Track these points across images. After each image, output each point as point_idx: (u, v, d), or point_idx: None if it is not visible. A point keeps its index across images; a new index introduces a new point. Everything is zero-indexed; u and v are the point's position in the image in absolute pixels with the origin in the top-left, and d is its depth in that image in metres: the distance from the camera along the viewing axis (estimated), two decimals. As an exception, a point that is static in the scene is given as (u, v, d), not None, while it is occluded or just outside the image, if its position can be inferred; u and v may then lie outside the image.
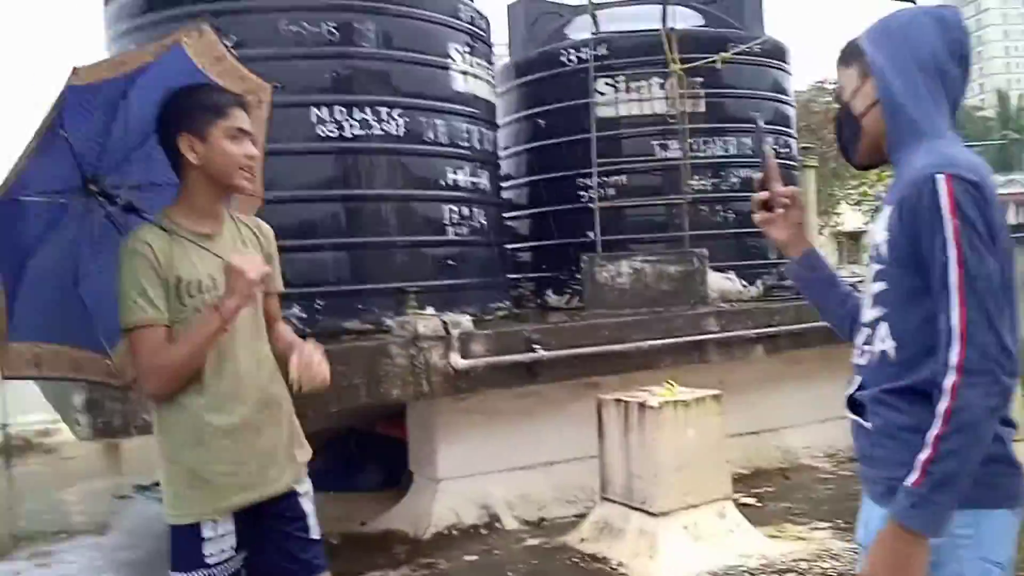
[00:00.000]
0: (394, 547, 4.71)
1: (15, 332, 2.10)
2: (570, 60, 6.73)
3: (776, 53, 7.07)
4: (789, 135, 7.26)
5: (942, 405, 1.42)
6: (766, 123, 6.85)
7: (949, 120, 1.61)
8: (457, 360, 4.44)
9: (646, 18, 6.83)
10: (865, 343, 1.63)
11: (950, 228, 1.43)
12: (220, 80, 2.20)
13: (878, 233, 1.59)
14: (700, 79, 6.45)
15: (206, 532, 2.15)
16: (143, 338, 2.03)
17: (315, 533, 2.35)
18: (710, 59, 6.22)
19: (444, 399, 4.80)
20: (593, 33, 6.77)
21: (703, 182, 6.49)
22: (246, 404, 2.16)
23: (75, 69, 1.86)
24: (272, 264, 2.27)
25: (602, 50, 6.55)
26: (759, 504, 5.22)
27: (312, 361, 2.11)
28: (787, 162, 7.04)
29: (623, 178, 6.55)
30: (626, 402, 4.43)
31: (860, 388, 1.63)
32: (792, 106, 7.47)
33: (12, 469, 7.42)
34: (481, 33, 5.74)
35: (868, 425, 1.59)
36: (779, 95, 7.07)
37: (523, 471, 5.20)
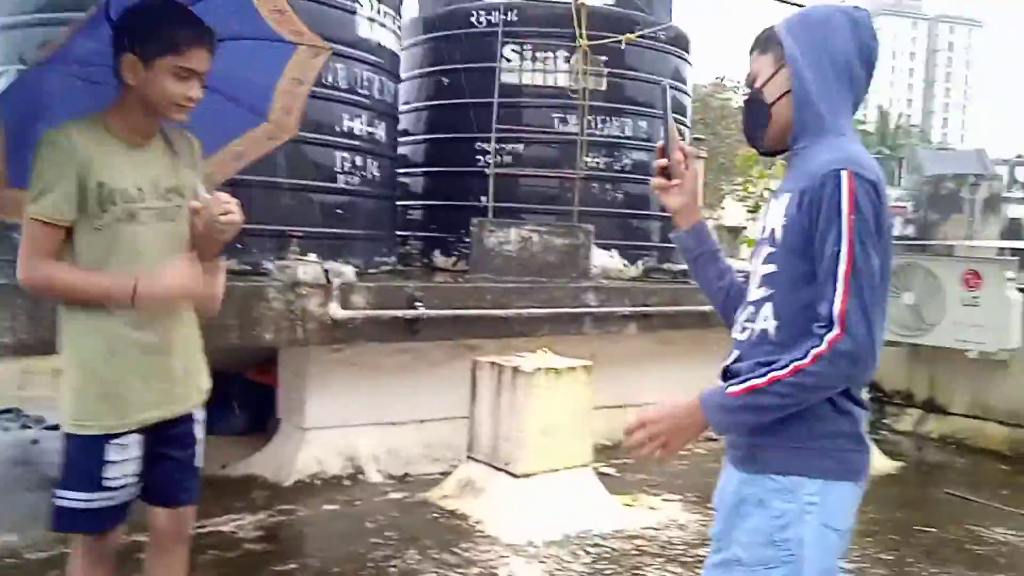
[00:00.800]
0: (253, 492, 4.65)
1: (13, 179, 2.15)
2: (479, 21, 6.68)
3: (679, 42, 7.24)
4: (684, 124, 7.46)
5: (797, 358, 1.54)
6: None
7: (851, 119, 1.71)
8: (336, 310, 4.39)
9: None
10: (747, 320, 1.72)
11: (846, 223, 1.53)
12: (278, 29, 2.25)
13: (774, 218, 1.67)
14: (604, 58, 6.53)
15: (111, 454, 2.12)
16: (35, 231, 2.04)
17: (200, 462, 2.37)
18: (616, 38, 6.30)
19: (319, 348, 4.75)
20: (505, -2, 6.74)
21: (597, 159, 6.60)
22: (163, 323, 2.17)
23: None
24: (199, 175, 2.28)
25: (512, 15, 6.53)
26: (618, 474, 5.42)
27: (227, 200, 2.17)
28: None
29: (520, 147, 6.58)
30: (500, 365, 4.51)
31: (736, 360, 1.73)
32: (689, 95, 7.68)
33: None
34: (388, -10, 5.63)
35: None
36: (678, 83, 7.25)
37: (393, 426, 5.22)
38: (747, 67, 1.80)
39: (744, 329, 1.73)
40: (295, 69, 2.48)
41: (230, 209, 2.16)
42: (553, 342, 5.06)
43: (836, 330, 1.51)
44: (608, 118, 6.66)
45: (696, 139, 8.96)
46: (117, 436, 2.14)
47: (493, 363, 4.54)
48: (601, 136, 6.65)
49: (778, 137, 1.75)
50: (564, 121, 6.55)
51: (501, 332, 5.16)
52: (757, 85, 1.75)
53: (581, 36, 6.30)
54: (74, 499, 2.14)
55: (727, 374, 1.74)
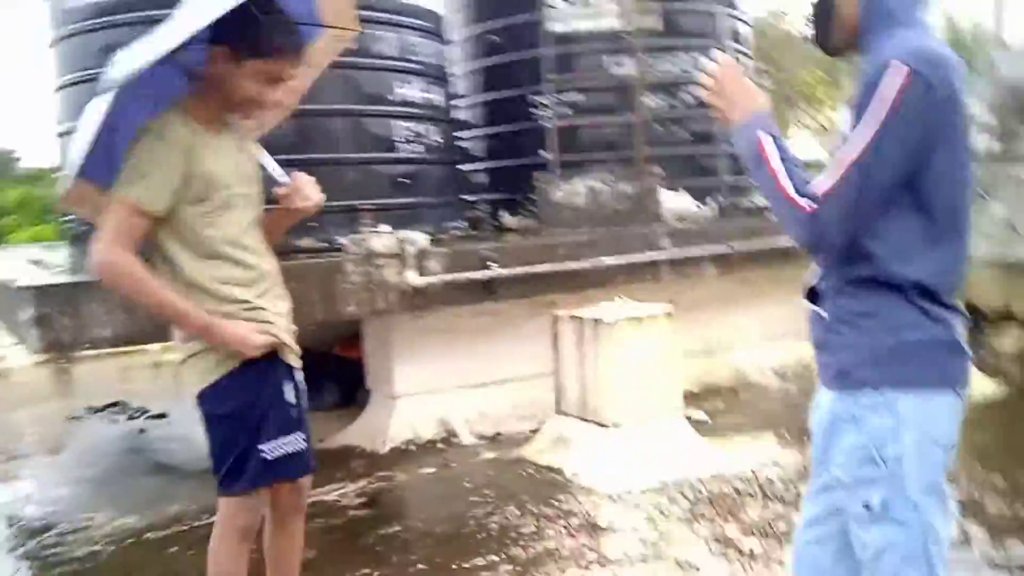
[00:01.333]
0: (352, 462, 4.77)
1: (89, 171, 2.14)
2: (520, -26, 6.54)
3: (731, -30, 6.97)
4: (744, 54, 7.21)
5: (798, 197, 1.54)
6: (727, 40, 6.81)
7: (925, 8, 1.61)
8: (413, 277, 4.44)
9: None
10: None
11: (882, 112, 1.46)
12: (326, 9, 2.31)
13: (846, 130, 1.59)
14: (656, -6, 6.33)
15: (289, 394, 2.25)
16: (121, 215, 2.03)
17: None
18: (666, -27, 6.10)
19: (400, 316, 4.81)
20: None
21: (658, 100, 6.44)
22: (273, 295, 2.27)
23: None
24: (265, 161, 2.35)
25: (556, -39, 6.37)
26: (710, 420, 5.37)
27: (308, 181, 2.28)
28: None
29: (578, 96, 6.46)
30: (580, 318, 4.49)
31: (820, 280, 1.68)
32: (748, 24, 7.41)
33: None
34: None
35: (825, 314, 1.65)
36: (733, 11, 7.00)
37: (480, 388, 5.27)
38: None
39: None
40: (314, 54, 2.46)
41: (313, 191, 2.27)
42: (631, 291, 5.01)
43: (813, 206, 1.51)
44: (664, 56, 6.47)
45: (759, 70, 8.65)
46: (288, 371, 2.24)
47: (573, 316, 4.53)
48: (659, 74, 6.47)
49: (847, 34, 1.65)
50: (619, 64, 6.40)
51: (577, 285, 5.13)
52: None
53: (629, -26, 6.11)
54: (279, 446, 2.20)
55: (811, 295, 1.69)
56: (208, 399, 2.18)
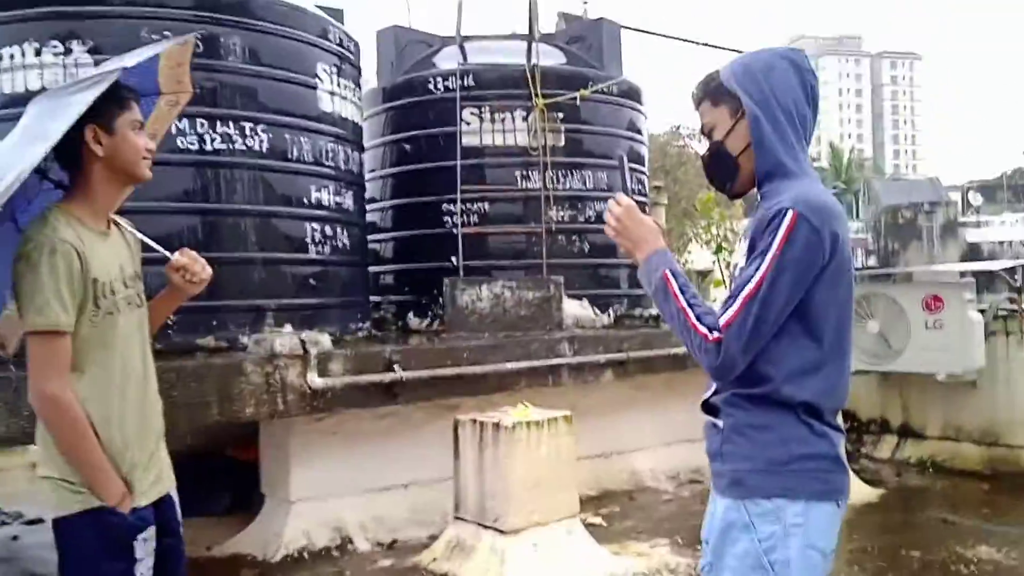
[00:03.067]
0: (242, 571, 4.60)
1: None
2: (437, 88, 6.84)
3: (632, 94, 7.47)
4: (643, 173, 7.66)
5: (705, 322, 1.70)
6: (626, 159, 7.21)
7: (807, 156, 1.84)
8: (314, 379, 4.42)
9: (512, 53, 7.08)
10: None
11: (773, 253, 1.66)
12: (162, 78, 2.33)
13: (741, 257, 1.83)
14: (561, 114, 6.72)
15: (138, 551, 2.11)
16: (48, 344, 2.00)
17: (184, 547, 2.36)
18: (571, 95, 6.50)
19: (300, 419, 4.75)
20: (460, 64, 6.94)
21: (562, 213, 6.74)
22: (138, 405, 2.19)
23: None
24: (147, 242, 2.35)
25: (469, 80, 6.72)
26: (605, 524, 5.43)
27: (196, 257, 2.30)
28: (640, 199, 7.42)
29: (486, 205, 6.70)
30: (481, 422, 4.54)
31: (714, 393, 1.84)
32: (646, 145, 7.89)
33: None
34: (350, 55, 5.79)
35: (720, 424, 1.80)
36: (634, 134, 7.46)
37: (379, 492, 5.20)
38: (699, 118, 1.90)
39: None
40: (152, 123, 2.46)
41: (203, 267, 2.30)
42: (532, 395, 5.10)
43: (716, 335, 1.68)
44: (569, 172, 6.82)
45: (656, 187, 9.16)
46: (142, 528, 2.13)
47: (474, 420, 4.58)
48: (563, 190, 6.79)
49: (746, 182, 1.87)
50: (526, 178, 6.70)
51: (480, 389, 5.20)
52: (718, 137, 1.86)
53: (537, 96, 6.49)
54: None
55: (707, 407, 1.86)
56: (64, 530, 2.11)
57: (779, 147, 1.77)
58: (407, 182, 7.06)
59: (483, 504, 4.48)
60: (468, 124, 6.70)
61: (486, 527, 4.45)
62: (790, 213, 1.65)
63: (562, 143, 6.76)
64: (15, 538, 5.50)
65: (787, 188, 1.73)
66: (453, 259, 6.48)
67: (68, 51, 4.56)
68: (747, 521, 1.73)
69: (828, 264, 1.69)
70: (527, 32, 7.22)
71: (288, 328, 4.63)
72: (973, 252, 14.27)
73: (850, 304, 1.78)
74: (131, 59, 2.15)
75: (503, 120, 6.69)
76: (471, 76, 6.74)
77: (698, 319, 1.70)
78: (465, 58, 7.05)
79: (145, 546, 2.13)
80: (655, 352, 6.02)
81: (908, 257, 11.92)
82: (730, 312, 1.67)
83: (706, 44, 6.97)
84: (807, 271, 1.67)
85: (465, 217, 6.64)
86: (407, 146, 7.02)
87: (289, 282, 5.07)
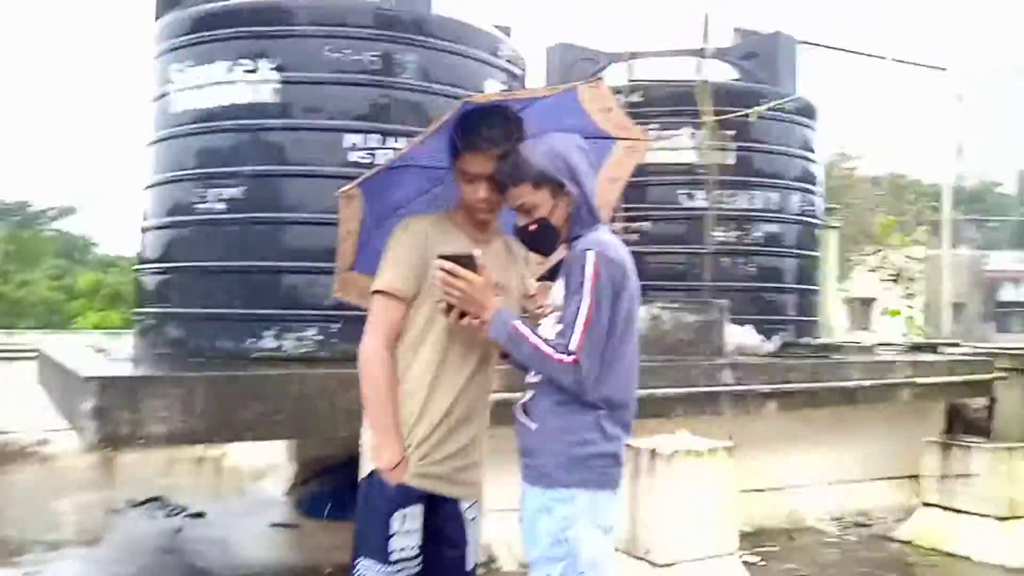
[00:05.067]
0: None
1: (358, 264, 2.49)
2: (603, 105, 6.75)
3: (806, 112, 7.11)
4: (815, 193, 7.27)
5: (558, 350, 2.10)
6: (793, 179, 6.88)
7: (598, 214, 2.29)
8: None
9: (682, 69, 6.92)
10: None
11: (589, 286, 2.11)
12: (603, 127, 2.48)
13: (557, 293, 2.24)
14: (732, 132, 6.49)
15: (394, 525, 2.24)
16: (376, 303, 2.29)
17: (470, 564, 2.43)
18: (743, 112, 6.26)
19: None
20: (629, 80, 6.84)
21: (727, 234, 6.49)
22: (455, 398, 2.31)
23: (470, 95, 2.31)
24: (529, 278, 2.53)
25: (636, 97, 6.61)
26: (763, 563, 5.14)
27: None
28: (811, 220, 7.05)
29: (647, 224, 6.56)
30: (636, 448, 4.39)
31: (530, 399, 2.24)
32: (818, 164, 7.50)
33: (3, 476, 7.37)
34: (518, 72, 5.81)
35: (533, 426, 2.21)
36: (807, 153, 7.10)
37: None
38: (514, 197, 2.22)
39: (537, 373, 2.22)
40: (613, 167, 2.63)
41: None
42: (688, 423, 4.90)
43: (572, 358, 2.09)
44: (737, 191, 6.57)
45: (829, 208, 8.69)
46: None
47: (628, 446, 4.42)
48: (730, 209, 6.54)
49: (561, 240, 2.28)
50: (690, 196, 6.51)
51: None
52: (543, 214, 2.22)
53: (707, 113, 6.29)
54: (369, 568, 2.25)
55: (524, 409, 2.25)
56: (359, 491, 2.32)
57: (587, 206, 2.23)
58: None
59: (634, 534, 4.33)
60: (633, 141, 6.56)
61: (637, 558, 4.30)
62: (592, 252, 2.12)
63: (731, 161, 6.51)
64: (179, 530, 5.80)
65: (586, 237, 2.19)
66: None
67: (256, 68, 4.83)
68: (548, 505, 2.16)
69: (623, 288, 2.15)
70: (698, 48, 7.03)
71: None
72: None
73: (628, 321, 2.19)
74: (523, 94, 2.44)
75: (671, 137, 6.53)
76: (639, 93, 6.63)
77: (553, 348, 2.10)
78: (633, 75, 6.93)
79: (403, 524, 2.24)
80: (824, 384, 5.66)
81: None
82: (576, 336, 2.09)
83: (899, 60, 6.52)
84: (612, 290, 2.12)
85: (625, 235, 6.51)
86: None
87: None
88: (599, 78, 2.54)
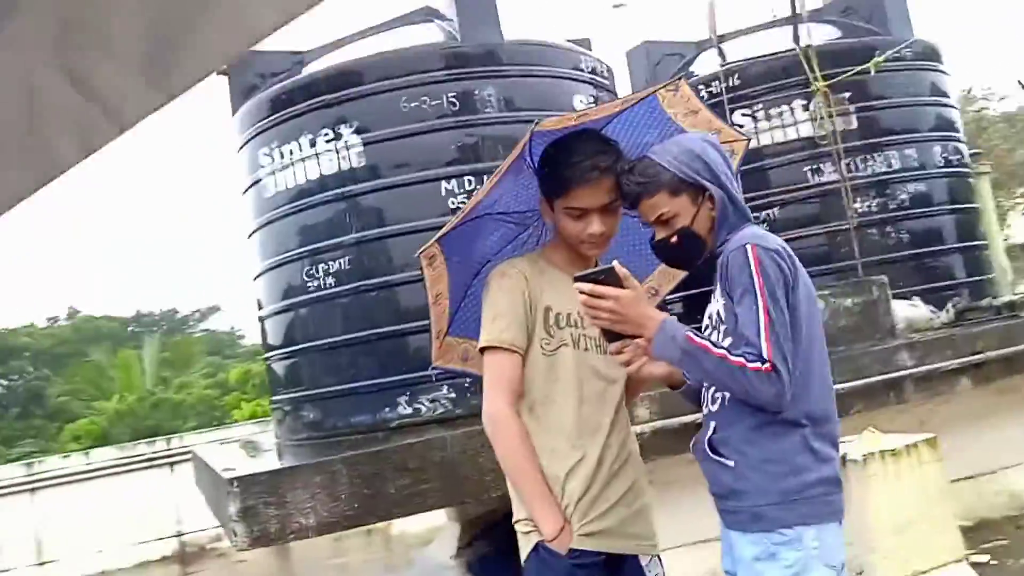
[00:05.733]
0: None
1: (454, 327, 2.30)
2: (700, 97, 6.32)
3: (930, 55, 6.42)
4: (959, 140, 6.52)
5: (748, 358, 1.76)
6: (930, 130, 6.20)
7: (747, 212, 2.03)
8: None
9: (777, 40, 6.41)
10: (716, 391, 1.94)
11: (757, 284, 1.80)
12: (693, 130, 2.22)
13: (714, 304, 1.98)
14: (847, 94, 5.91)
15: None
16: (491, 360, 2.06)
17: None
18: (858, 69, 5.68)
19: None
20: (721, 65, 6.39)
21: (867, 203, 5.88)
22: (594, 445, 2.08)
23: (536, 122, 2.04)
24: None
25: (733, 81, 6.15)
26: (994, 561, 4.47)
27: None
28: (960, 170, 6.33)
29: (775, 212, 6.03)
30: (822, 457, 3.88)
31: (714, 432, 1.92)
32: (957, 109, 6.76)
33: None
34: (604, 82, 5.48)
35: (730, 463, 1.89)
36: (940, 99, 6.40)
37: (707, 543, 4.68)
38: (650, 209, 1.96)
39: (715, 400, 1.93)
40: None
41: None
42: (871, 419, 4.36)
43: (767, 365, 1.75)
44: (869, 155, 5.95)
45: (974, 153, 7.84)
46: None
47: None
48: (865, 177, 5.93)
49: (707, 253, 2.00)
50: (817, 171, 5.95)
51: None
52: (684, 223, 1.95)
53: (815, 79, 5.75)
54: None
55: (711, 447, 1.91)
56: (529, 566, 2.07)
57: (732, 207, 1.96)
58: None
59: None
60: (741, 128, 6.11)
61: (848, 581, 3.76)
62: (749, 247, 1.82)
63: (854, 125, 5.92)
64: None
65: (736, 236, 1.92)
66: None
67: (338, 136, 4.70)
68: (772, 551, 1.85)
69: (796, 280, 1.85)
70: (789, 13, 6.49)
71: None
72: None
73: (805, 315, 1.86)
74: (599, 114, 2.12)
75: (780, 115, 6.02)
76: (735, 76, 6.16)
77: (743, 357, 1.77)
78: (724, 58, 6.47)
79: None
80: (1019, 347, 4.95)
81: None
82: (764, 342, 1.76)
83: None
84: (792, 284, 1.83)
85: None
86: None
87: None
88: (678, 78, 2.25)
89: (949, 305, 5.71)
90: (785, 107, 6.01)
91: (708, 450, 1.93)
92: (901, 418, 4.59)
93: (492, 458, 3.68)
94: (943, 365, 4.80)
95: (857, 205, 5.81)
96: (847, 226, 5.65)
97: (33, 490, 8.46)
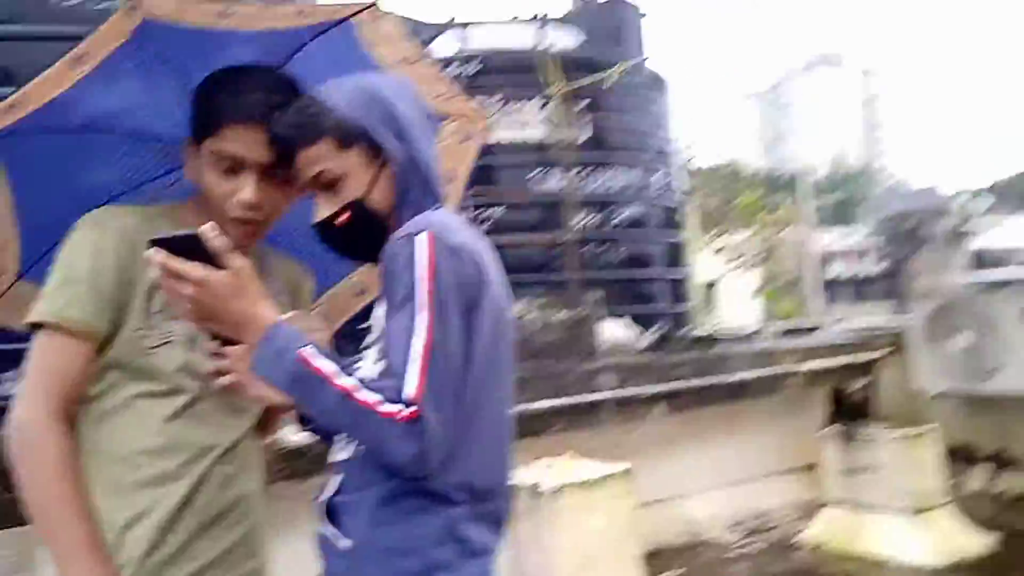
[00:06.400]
0: None
1: (27, 272, 1.57)
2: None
3: (658, 86, 6.52)
4: (674, 171, 6.66)
5: (381, 396, 1.16)
6: (656, 155, 6.23)
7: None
8: (291, 433, 3.38)
9: (519, 38, 6.14)
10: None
11: (423, 288, 1.24)
12: (428, 98, 1.50)
13: (378, 306, 1.36)
14: (586, 101, 5.75)
15: None
16: (44, 341, 1.32)
17: None
18: (598, 77, 5.53)
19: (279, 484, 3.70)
20: (461, 50, 5.97)
21: (590, 217, 5.74)
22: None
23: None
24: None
25: (473, 66, 5.75)
26: (673, 586, 4.40)
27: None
28: (674, 201, 6.46)
29: (498, 211, 5.71)
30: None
31: (338, 492, 1.34)
32: (674, 141, 6.94)
33: None
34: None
35: (347, 543, 1.29)
36: (665, 128, 6.49)
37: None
38: (304, 164, 1.34)
39: (347, 446, 1.34)
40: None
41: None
42: (568, 439, 4.13)
43: (410, 410, 1.17)
44: (598, 168, 5.83)
45: (685, 192, 8.20)
46: None
47: (505, 481, 3.52)
48: (589, 192, 5.80)
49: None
50: (546, 177, 5.72)
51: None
52: (356, 193, 1.34)
53: (555, 80, 5.51)
54: None
55: (330, 511, 1.33)
56: None
57: (421, 193, 1.36)
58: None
59: (520, 589, 3.42)
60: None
61: (526, 620, 3.39)
62: (421, 236, 1.24)
63: (588, 135, 5.78)
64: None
65: (413, 220, 1.31)
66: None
67: None
68: None
69: (482, 292, 1.27)
70: (536, 15, 6.26)
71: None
72: (981, 258, 13.65)
73: (509, 346, 1.34)
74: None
75: (518, 110, 5.72)
76: (476, 61, 5.76)
77: (380, 395, 1.18)
78: (466, 43, 6.06)
79: None
80: (713, 380, 5.01)
81: (918, 264, 11.23)
82: (412, 374, 1.19)
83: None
84: (466, 302, 1.26)
85: (477, 224, 5.63)
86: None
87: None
88: (376, 6, 1.53)
89: (654, 328, 5.72)
90: (525, 102, 5.71)
91: (322, 517, 1.35)
92: (597, 440, 4.40)
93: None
94: (643, 391, 4.69)
95: (580, 217, 5.63)
96: (567, 238, 5.44)
97: None
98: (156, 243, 1.17)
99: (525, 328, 4.83)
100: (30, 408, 1.28)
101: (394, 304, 1.23)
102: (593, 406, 4.51)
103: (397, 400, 1.17)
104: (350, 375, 1.19)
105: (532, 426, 4.28)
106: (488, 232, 5.55)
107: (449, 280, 1.22)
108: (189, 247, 1.16)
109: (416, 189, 1.35)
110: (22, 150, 1.43)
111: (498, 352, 1.31)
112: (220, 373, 1.27)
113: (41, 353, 1.30)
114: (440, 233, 1.24)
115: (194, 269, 1.17)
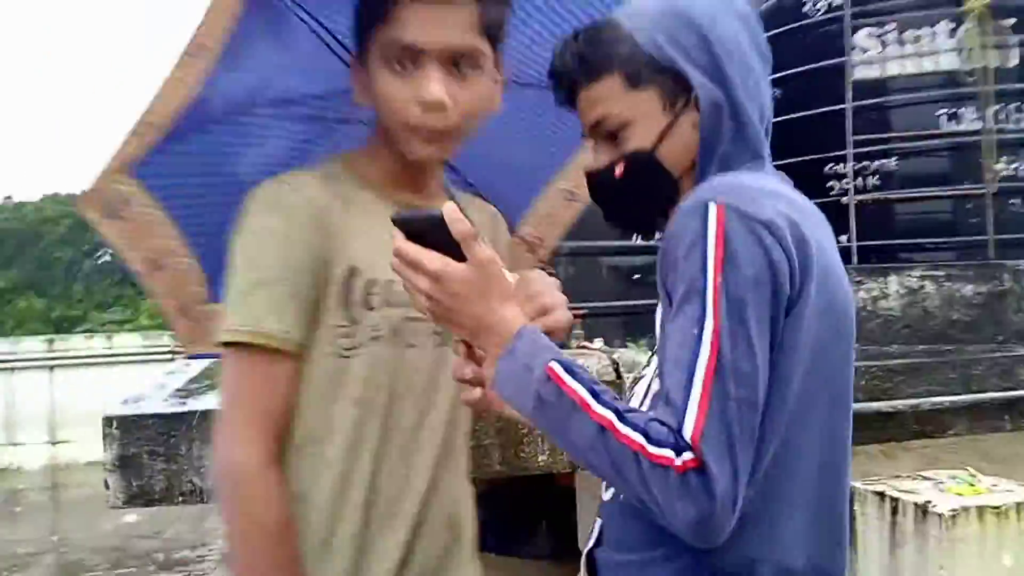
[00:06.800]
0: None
1: (213, 295, 1.40)
2: (816, 9, 5.22)
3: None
4: None
5: (651, 439, 0.88)
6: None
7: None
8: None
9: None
10: None
11: (711, 285, 0.95)
12: None
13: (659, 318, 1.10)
14: (1011, 20, 4.70)
15: None
16: (239, 361, 1.11)
17: None
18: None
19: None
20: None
21: (1015, 164, 4.70)
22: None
23: None
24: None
25: (863, -11, 4.98)
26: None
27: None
28: None
29: (892, 161, 4.93)
30: (895, 499, 2.89)
31: (599, 541, 1.11)
32: None
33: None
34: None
35: None
36: None
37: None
38: (590, 106, 1.10)
39: (608, 487, 1.10)
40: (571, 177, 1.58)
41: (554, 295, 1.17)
42: (974, 446, 3.47)
43: (687, 458, 0.87)
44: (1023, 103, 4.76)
45: None
46: None
47: (882, 495, 2.94)
48: (1017, 131, 4.73)
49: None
50: (954, 117, 4.79)
51: (888, 434, 3.58)
52: (643, 144, 1.07)
53: (972, -4, 4.54)
54: None
55: (590, 563, 1.10)
56: None
57: (734, 144, 1.08)
58: (781, 137, 5.44)
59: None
60: (864, 51, 4.94)
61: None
62: (712, 210, 0.93)
63: (1015, 62, 4.71)
64: None
65: (709, 183, 1.03)
66: (843, 238, 4.82)
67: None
68: None
69: (804, 285, 0.94)
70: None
71: (599, 342, 3.42)
72: None
73: (845, 359, 1.00)
74: None
75: (917, 39, 4.83)
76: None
77: (646, 432, 0.88)
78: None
79: None
80: None
81: None
82: (692, 407, 0.88)
83: None
84: (776, 303, 0.93)
85: (861, 180, 4.91)
86: (776, 90, 5.43)
87: (605, 277, 3.88)
88: None
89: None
90: (927, 29, 4.81)
91: (585, 566, 1.12)
92: (1007, 447, 3.60)
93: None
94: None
95: (1000, 166, 4.63)
96: (983, 191, 4.51)
97: (52, 368, 8.40)
98: (398, 221, 0.97)
99: (922, 304, 4.10)
100: (238, 448, 1.10)
101: (677, 299, 0.95)
102: (1009, 405, 3.68)
103: (670, 442, 0.89)
104: (605, 399, 0.92)
105: (928, 424, 3.63)
106: (879, 187, 4.82)
107: (748, 273, 0.92)
108: (427, 229, 0.95)
109: (725, 143, 1.09)
110: (170, 170, 1.24)
111: (826, 373, 0.99)
112: (470, 383, 1.04)
113: (241, 377, 1.11)
114: (740, 204, 0.94)
115: (431, 259, 0.96)
